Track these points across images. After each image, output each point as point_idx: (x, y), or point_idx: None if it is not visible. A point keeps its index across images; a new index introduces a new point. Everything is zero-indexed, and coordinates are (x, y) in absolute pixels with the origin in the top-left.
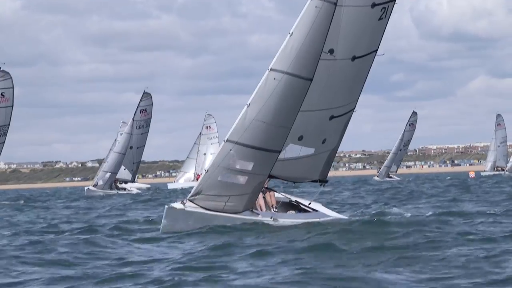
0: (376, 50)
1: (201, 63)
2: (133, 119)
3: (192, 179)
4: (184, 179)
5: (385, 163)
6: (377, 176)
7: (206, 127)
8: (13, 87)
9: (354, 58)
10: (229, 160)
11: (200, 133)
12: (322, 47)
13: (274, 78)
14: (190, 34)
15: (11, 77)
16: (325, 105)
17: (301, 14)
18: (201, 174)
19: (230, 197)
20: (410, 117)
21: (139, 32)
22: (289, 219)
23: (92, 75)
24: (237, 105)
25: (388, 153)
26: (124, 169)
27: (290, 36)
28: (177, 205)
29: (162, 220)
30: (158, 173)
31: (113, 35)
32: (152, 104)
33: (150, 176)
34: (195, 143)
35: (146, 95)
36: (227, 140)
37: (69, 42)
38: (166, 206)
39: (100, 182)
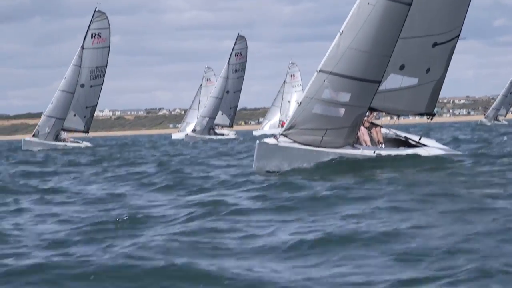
0: None
1: (301, 10)
2: (228, 62)
3: (278, 126)
4: (269, 126)
5: (494, 105)
6: (485, 118)
7: (290, 76)
8: (109, 28)
9: None
10: (323, 91)
11: (284, 81)
12: None
13: (368, 3)
14: None
15: (107, 17)
16: (427, 31)
17: None
18: (285, 121)
19: (327, 131)
20: None
21: None
22: (393, 152)
23: (192, 23)
24: None
25: (494, 99)
26: (222, 114)
27: None
28: (270, 140)
29: (254, 158)
30: (261, 119)
31: None
32: (247, 47)
33: (252, 123)
34: (279, 91)
35: (241, 38)
36: (320, 70)
37: None
38: (258, 142)
39: (199, 128)
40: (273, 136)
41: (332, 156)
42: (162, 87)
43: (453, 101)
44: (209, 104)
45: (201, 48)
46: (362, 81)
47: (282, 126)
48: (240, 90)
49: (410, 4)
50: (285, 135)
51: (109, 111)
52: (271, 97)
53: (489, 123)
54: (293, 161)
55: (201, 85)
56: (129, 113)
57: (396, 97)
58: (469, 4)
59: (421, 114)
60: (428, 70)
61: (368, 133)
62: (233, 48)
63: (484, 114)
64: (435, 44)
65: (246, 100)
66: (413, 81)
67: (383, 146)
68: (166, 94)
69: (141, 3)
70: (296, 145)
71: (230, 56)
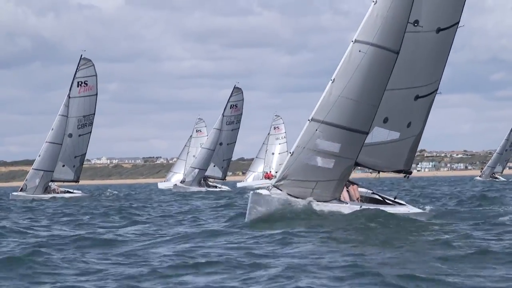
0: (458, 22)
1: (299, 61)
2: (223, 114)
3: (261, 177)
4: (253, 177)
5: (489, 163)
6: (480, 176)
7: (274, 128)
8: (96, 75)
9: (439, 30)
10: (315, 140)
11: (269, 133)
12: (408, 16)
13: (360, 51)
14: (290, 31)
15: (93, 65)
16: (409, 83)
17: None
18: (269, 172)
19: (318, 182)
20: None
21: (239, 28)
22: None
23: (191, 72)
24: None
25: (491, 153)
26: (214, 166)
27: (374, 4)
28: (263, 191)
29: (248, 207)
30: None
31: (214, 31)
32: (243, 99)
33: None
34: (263, 143)
35: (237, 90)
36: (312, 119)
37: (169, 38)
38: (252, 192)
39: (189, 178)
40: (267, 188)
41: (321, 208)
42: (159, 135)
43: (451, 155)
44: (200, 155)
45: (199, 97)
46: (352, 132)
47: (266, 177)
48: (234, 142)
49: (398, 53)
50: (276, 187)
51: (107, 159)
52: None
53: (485, 180)
54: (281, 210)
55: (191, 135)
56: (126, 161)
57: (379, 152)
58: (447, 58)
59: (399, 171)
60: (409, 125)
61: (346, 190)
62: (229, 100)
63: (480, 171)
64: (417, 97)
65: (243, 151)
66: (396, 135)
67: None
68: (163, 142)
69: (140, 50)
70: (288, 197)
71: (225, 108)
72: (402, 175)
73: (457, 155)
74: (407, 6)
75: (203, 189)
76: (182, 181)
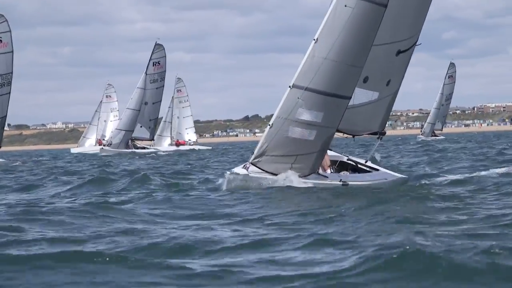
0: None
1: (253, 22)
2: (145, 73)
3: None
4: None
5: (428, 119)
6: (421, 134)
7: (177, 90)
8: (10, 31)
9: None
10: (297, 110)
11: (173, 97)
12: None
13: (345, 5)
14: None
15: (6, 20)
16: (393, 37)
17: None
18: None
19: (297, 156)
20: (448, 69)
21: None
22: (357, 181)
23: (143, 34)
24: (289, 63)
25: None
26: (141, 126)
27: None
28: (239, 170)
29: (224, 189)
30: (215, 132)
31: None
32: (165, 56)
33: (207, 135)
34: (169, 107)
35: (158, 47)
36: (294, 86)
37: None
38: (228, 173)
39: (116, 141)
40: (243, 166)
41: (303, 185)
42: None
43: (407, 114)
44: (125, 116)
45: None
46: (336, 98)
47: (177, 144)
48: (160, 101)
49: (386, 6)
50: (254, 164)
51: (62, 123)
52: (225, 109)
53: (427, 139)
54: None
55: (101, 101)
56: (82, 125)
57: (356, 115)
58: (428, 8)
59: (374, 134)
60: (388, 83)
61: None
62: (151, 57)
63: (421, 130)
64: (398, 52)
65: (199, 113)
66: (375, 95)
67: (332, 170)
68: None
69: (93, 13)
70: (267, 175)
71: (148, 66)
72: (375, 136)
73: (413, 113)
74: None
75: (136, 150)
76: (109, 144)
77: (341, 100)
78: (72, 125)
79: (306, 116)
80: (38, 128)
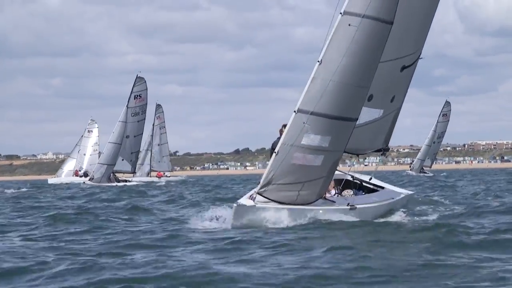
0: None
1: (244, 56)
2: (127, 106)
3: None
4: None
5: (418, 155)
6: (410, 170)
7: (157, 117)
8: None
9: None
10: (303, 135)
11: (153, 124)
12: None
13: (349, 24)
14: (236, 26)
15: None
16: (398, 53)
17: None
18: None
19: (305, 183)
20: (443, 107)
21: (184, 23)
22: (365, 203)
23: (135, 67)
24: (279, 98)
25: None
26: (122, 159)
27: None
28: (246, 201)
29: (231, 221)
30: (206, 165)
31: (158, 26)
32: (146, 89)
33: (198, 168)
34: (150, 135)
35: (140, 80)
36: (299, 111)
37: (113, 32)
38: (235, 205)
39: (98, 175)
40: (250, 196)
41: (310, 214)
42: (104, 131)
43: (398, 150)
44: (107, 150)
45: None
46: (343, 121)
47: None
48: (141, 134)
49: (392, 23)
50: (261, 194)
51: (53, 154)
52: (216, 142)
53: (415, 174)
54: (271, 222)
55: (82, 135)
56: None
57: (361, 134)
58: (432, 20)
59: (378, 151)
60: (393, 99)
61: None
62: (132, 90)
63: (410, 166)
64: (403, 68)
65: (188, 146)
66: (379, 113)
67: (337, 191)
68: (108, 137)
69: (83, 45)
70: (275, 205)
71: (129, 99)
72: (379, 153)
73: (404, 149)
74: None
75: (113, 184)
76: (91, 179)
77: (348, 122)
78: (63, 155)
79: (312, 141)
80: (29, 158)
